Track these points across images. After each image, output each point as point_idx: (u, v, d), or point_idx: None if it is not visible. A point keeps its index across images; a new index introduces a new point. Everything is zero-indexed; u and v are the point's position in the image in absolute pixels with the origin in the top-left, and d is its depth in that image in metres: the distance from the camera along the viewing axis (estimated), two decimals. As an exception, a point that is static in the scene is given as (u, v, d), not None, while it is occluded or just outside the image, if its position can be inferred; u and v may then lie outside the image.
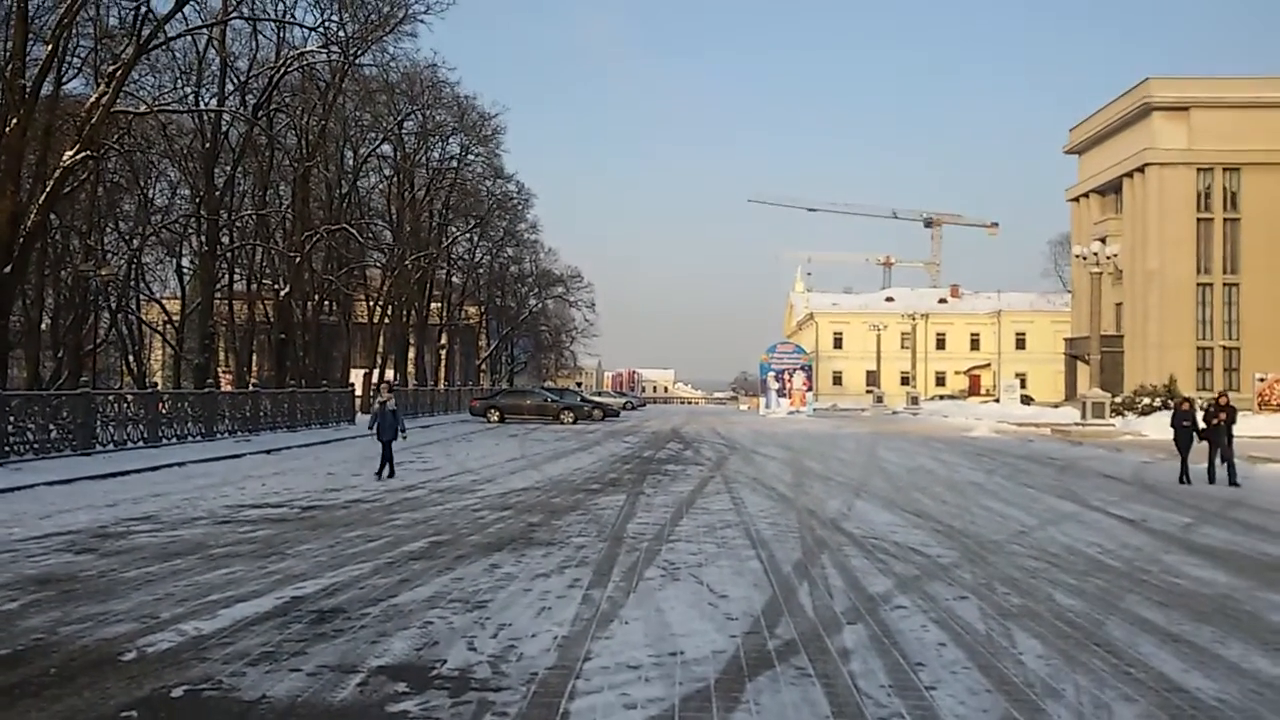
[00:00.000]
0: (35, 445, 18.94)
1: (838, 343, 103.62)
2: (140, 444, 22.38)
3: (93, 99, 27.63)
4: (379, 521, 12.42)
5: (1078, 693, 5.75)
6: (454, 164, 59.84)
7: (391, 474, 17.91)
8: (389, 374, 56.21)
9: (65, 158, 26.22)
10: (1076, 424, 37.27)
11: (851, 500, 15.01)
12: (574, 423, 43.15)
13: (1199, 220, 53.99)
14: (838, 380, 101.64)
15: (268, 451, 23.73)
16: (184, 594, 8.11)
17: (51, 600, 7.88)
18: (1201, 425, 19.32)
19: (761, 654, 6.48)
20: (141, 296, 53.10)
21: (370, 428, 18.74)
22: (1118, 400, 41.36)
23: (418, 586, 8.47)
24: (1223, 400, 19.22)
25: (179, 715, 5.31)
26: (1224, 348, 53.82)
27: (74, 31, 30.53)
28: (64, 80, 33.99)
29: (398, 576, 8.89)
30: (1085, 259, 40.97)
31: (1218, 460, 18.62)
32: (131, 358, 52.26)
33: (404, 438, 18.92)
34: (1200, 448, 19.32)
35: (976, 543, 11.12)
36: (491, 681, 5.87)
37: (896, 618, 7.51)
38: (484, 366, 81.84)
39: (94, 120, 26.60)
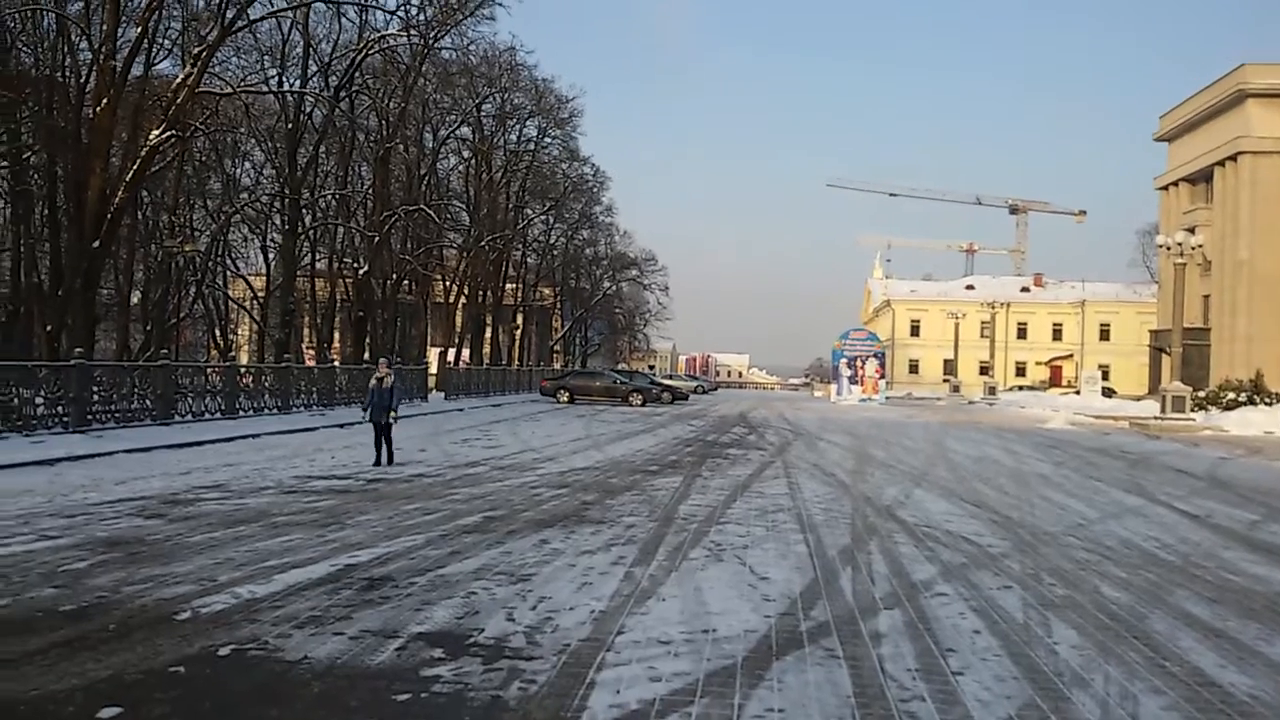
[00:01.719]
0: (117, 414, 19.70)
1: (915, 330, 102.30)
2: (218, 415, 23.15)
3: (179, 80, 28.51)
4: (438, 495, 12.72)
5: (1106, 683, 5.73)
6: (531, 146, 60.51)
7: (390, 460, 16.25)
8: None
9: (152, 136, 27.13)
10: (1156, 418, 36.35)
11: (910, 489, 14.93)
12: (642, 405, 43.36)
13: (1293, 210, 52.15)
14: (914, 369, 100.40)
15: (341, 426, 24.31)
16: (243, 559, 8.44)
17: (118, 561, 8.26)
18: None
19: (793, 635, 6.55)
20: (228, 273, 54.63)
21: (365, 409, 16.92)
22: (1200, 394, 40.20)
23: (466, 559, 8.70)
24: None
25: (223, 672, 5.57)
26: (1317, 342, 51.97)
27: (163, 14, 31.52)
28: (153, 62, 35.18)
29: (449, 548, 9.13)
30: (1170, 249, 39.84)
31: None
32: (218, 332, 53.87)
33: (393, 420, 16.39)
34: None
35: (1031, 533, 11.01)
36: (525, 651, 6.04)
37: (935, 604, 7.51)
38: (558, 348, 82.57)
39: (180, 100, 27.44)
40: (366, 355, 44.66)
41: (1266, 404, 37.90)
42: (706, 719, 5.00)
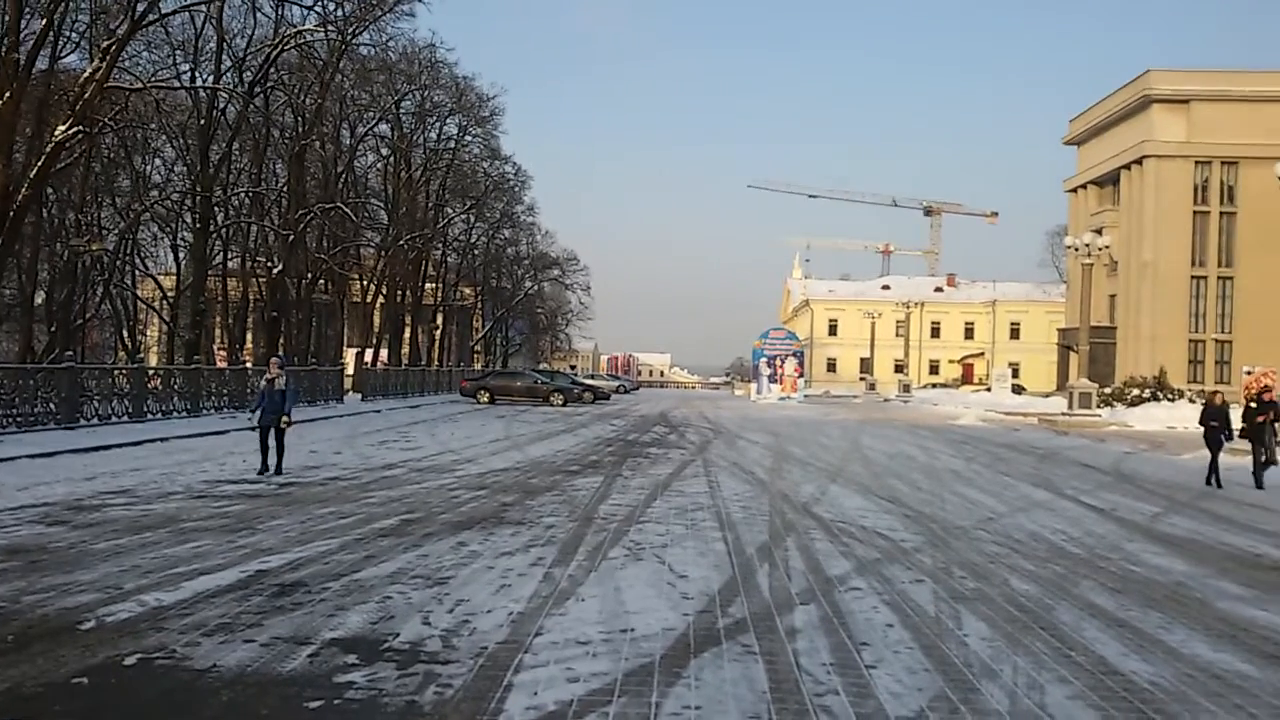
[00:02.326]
0: (19, 418, 19.04)
1: (833, 329, 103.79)
2: (125, 419, 22.48)
3: (86, 74, 27.62)
4: (353, 499, 12.53)
5: (1014, 673, 5.87)
6: (451, 145, 59.91)
7: (279, 469, 14.92)
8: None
9: (58, 132, 26.23)
10: (1063, 414, 37.40)
11: (827, 485, 15.12)
12: (564, 405, 43.26)
13: (1195, 213, 54.09)
14: (832, 367, 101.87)
15: (253, 429, 23.74)
16: (150, 566, 8.22)
17: (18, 570, 7.97)
18: (1240, 424, 17.45)
19: (710, 632, 6.59)
20: (136, 272, 53.15)
21: (251, 412, 15.64)
22: (1106, 391, 41.48)
23: (382, 562, 8.58)
24: (1268, 396, 17.56)
25: (129, 682, 5.42)
26: (1216, 341, 53.98)
27: (70, 6, 30.54)
28: (59, 55, 34.02)
29: (364, 552, 9.00)
30: (1078, 249, 41.02)
31: (1262, 458, 16.79)
32: (126, 333, 52.37)
33: (287, 424, 14.91)
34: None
35: (943, 528, 11.24)
36: (441, 655, 5.98)
37: (850, 599, 7.62)
38: (479, 348, 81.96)
39: (87, 95, 26.58)
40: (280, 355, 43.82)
41: (1169, 400, 39.28)
42: (624, 717, 5.00)
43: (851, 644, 6.37)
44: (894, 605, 7.45)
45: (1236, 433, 17.54)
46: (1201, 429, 17.57)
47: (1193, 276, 54.06)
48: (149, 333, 65.46)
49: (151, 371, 26.36)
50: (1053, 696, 5.48)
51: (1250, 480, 16.61)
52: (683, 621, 6.84)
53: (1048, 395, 57.24)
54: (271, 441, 15.00)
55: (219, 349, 55.10)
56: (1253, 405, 17.38)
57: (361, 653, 5.97)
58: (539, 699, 5.22)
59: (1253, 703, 5.49)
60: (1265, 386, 19.57)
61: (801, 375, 60.10)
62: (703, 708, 5.16)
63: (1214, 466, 16.88)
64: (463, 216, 66.73)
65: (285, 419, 14.79)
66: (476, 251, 73.59)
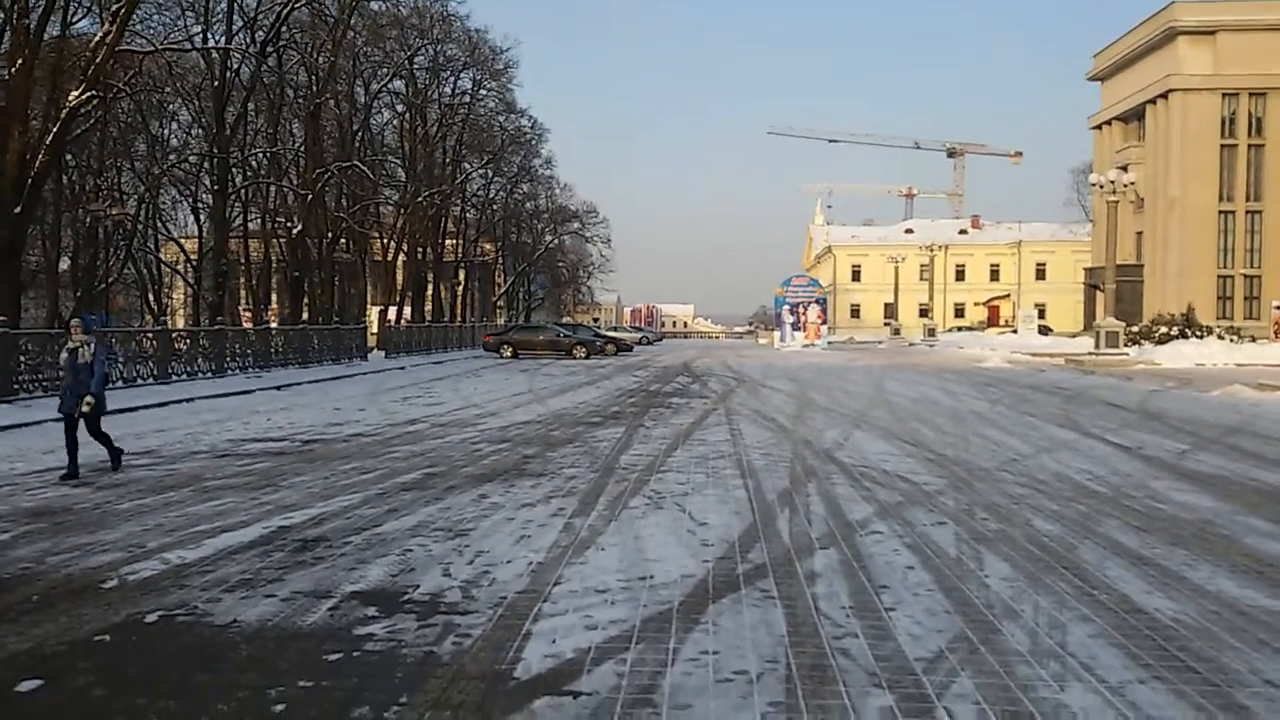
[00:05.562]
0: (45, 383, 19.21)
1: (856, 275, 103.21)
2: (150, 381, 22.68)
3: (98, 38, 27.54)
4: (376, 455, 12.58)
5: (1036, 614, 5.81)
6: (466, 99, 59.59)
7: (72, 472, 10.60)
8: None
9: (71, 98, 26.23)
10: (1090, 354, 37.06)
11: (850, 431, 15.05)
12: (586, 358, 43.30)
13: (1223, 147, 53.22)
14: (855, 313, 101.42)
15: (278, 388, 23.96)
16: (173, 524, 8.28)
17: (43, 531, 8.06)
18: None
19: (730, 578, 6.57)
20: (159, 236, 53.41)
21: (61, 396, 11.35)
22: (1134, 330, 41.05)
23: (404, 516, 8.61)
24: None
25: (150, 639, 5.46)
26: (1245, 276, 53.34)
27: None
28: (70, 20, 33.88)
29: (386, 507, 9.03)
30: (1103, 187, 40.42)
31: None
32: (151, 297, 52.76)
33: (88, 409, 10.81)
34: None
35: (966, 470, 11.16)
36: (460, 605, 5.99)
37: (870, 542, 7.58)
38: (501, 303, 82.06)
39: (99, 60, 26.51)
40: (305, 315, 44.03)
41: (1198, 337, 38.79)
42: (642, 664, 4.99)
43: (871, 587, 6.34)
44: (915, 548, 7.41)
45: None
46: None
47: (1220, 211, 53.31)
48: (174, 295, 65.91)
49: (176, 334, 26.49)
50: (1074, 636, 5.42)
51: None
52: (702, 568, 6.82)
53: (1075, 335, 56.81)
54: (86, 436, 11.03)
55: (244, 310, 55.45)
56: None
57: (381, 605, 5.99)
58: (557, 646, 5.22)
59: (1278, 637, 5.42)
60: None
61: (825, 322, 59.86)
62: (720, 653, 5.14)
63: None
64: (480, 171, 66.57)
65: (87, 401, 10.78)
66: (495, 206, 73.47)
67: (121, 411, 17.69)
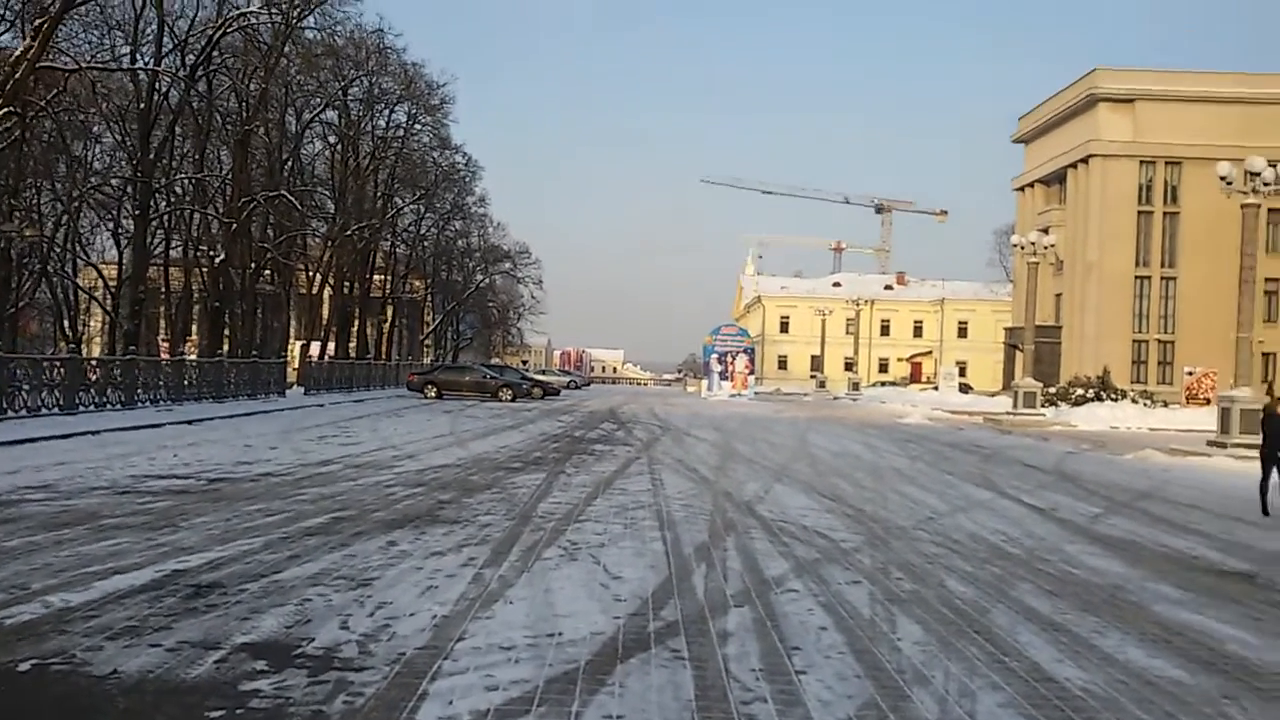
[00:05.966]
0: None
1: (784, 326, 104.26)
2: (56, 411, 21.85)
3: (18, 53, 26.84)
4: (284, 496, 12.18)
5: (946, 680, 5.74)
6: (400, 133, 59.06)
7: None
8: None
9: (-13, 114, 25.49)
10: (1008, 413, 37.74)
11: (771, 484, 15.01)
12: (512, 400, 42.90)
13: (1139, 213, 54.79)
14: (783, 364, 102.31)
15: (189, 422, 23.24)
16: (62, 565, 7.86)
17: (-83, 570, 7.60)
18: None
19: (640, 636, 6.40)
20: (78, 260, 51.92)
21: None
22: (1051, 390, 41.91)
23: (306, 563, 8.29)
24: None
25: (21, 689, 5.12)
26: (1159, 341, 54.80)
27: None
28: (-10, 34, 33.04)
29: (288, 552, 8.70)
30: (1024, 248, 41.43)
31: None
32: (66, 323, 51.12)
33: None
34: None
35: (883, 528, 11.15)
36: (355, 661, 5.73)
37: (785, 601, 7.47)
38: (428, 342, 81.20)
39: (19, 75, 25.83)
40: (225, 347, 43.01)
41: (1113, 400, 39.77)
42: (541, 729, 4.79)
43: (783, 648, 6.21)
44: (829, 608, 7.31)
45: None
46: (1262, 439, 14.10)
47: (1136, 276, 54.80)
48: (91, 323, 64.01)
49: (86, 363, 25.65)
50: (984, 704, 5.35)
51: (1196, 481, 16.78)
52: (613, 625, 6.64)
53: (994, 394, 57.82)
54: None
55: (162, 340, 54.06)
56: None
57: (272, 659, 5.70)
58: (454, 708, 4.99)
59: (1184, 710, 5.41)
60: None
61: (752, 372, 60.25)
62: (624, 717, 4.97)
63: (1266, 489, 13.74)
64: (412, 207, 66.00)
65: None
66: (426, 243, 72.87)
67: (21, 443, 17.02)
